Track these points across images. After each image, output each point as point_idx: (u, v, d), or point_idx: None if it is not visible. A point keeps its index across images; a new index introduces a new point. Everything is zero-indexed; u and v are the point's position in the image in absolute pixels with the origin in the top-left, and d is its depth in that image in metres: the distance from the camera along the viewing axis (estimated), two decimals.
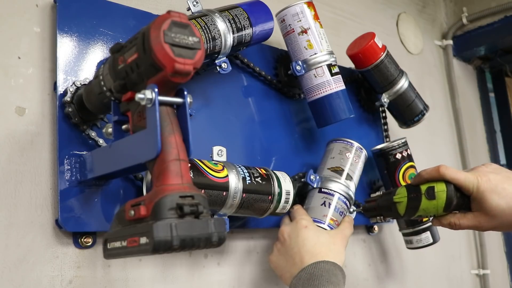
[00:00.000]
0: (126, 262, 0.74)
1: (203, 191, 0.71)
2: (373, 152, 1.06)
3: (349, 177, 0.92)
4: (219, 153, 0.79)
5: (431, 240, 1.05)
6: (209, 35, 0.76)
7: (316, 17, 0.92)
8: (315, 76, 0.91)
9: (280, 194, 0.81)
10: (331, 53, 0.92)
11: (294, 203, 0.86)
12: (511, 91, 1.79)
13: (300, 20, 0.90)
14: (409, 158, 1.04)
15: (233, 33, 0.80)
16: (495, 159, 1.69)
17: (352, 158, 0.94)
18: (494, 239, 1.59)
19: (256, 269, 0.91)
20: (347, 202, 0.91)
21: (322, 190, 0.90)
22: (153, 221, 0.49)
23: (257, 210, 0.80)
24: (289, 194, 0.82)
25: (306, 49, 0.91)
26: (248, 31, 0.82)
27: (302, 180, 0.92)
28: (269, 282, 0.92)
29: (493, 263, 1.52)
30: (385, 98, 1.08)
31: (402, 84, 1.07)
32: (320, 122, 0.94)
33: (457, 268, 1.41)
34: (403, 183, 1.02)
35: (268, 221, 0.89)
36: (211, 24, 0.77)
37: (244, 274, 0.89)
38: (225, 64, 0.81)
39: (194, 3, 0.80)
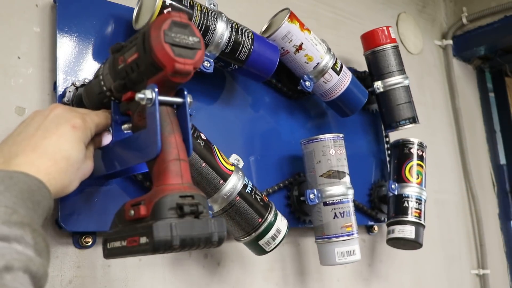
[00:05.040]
0: (126, 262, 0.74)
1: (203, 164, 0.72)
2: (392, 143, 1.12)
3: (342, 175, 0.90)
4: (236, 161, 0.79)
5: (412, 237, 1.02)
6: (204, 22, 0.74)
7: (302, 27, 0.89)
8: (325, 82, 0.93)
9: (271, 225, 0.78)
10: (329, 51, 0.93)
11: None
12: (511, 91, 1.79)
13: (290, 40, 0.88)
14: (421, 158, 1.09)
15: (229, 39, 0.77)
16: (495, 159, 1.69)
17: (338, 153, 0.90)
18: (494, 239, 1.59)
19: (256, 269, 0.91)
20: (353, 204, 0.91)
21: (327, 202, 0.88)
22: (153, 221, 0.49)
23: (243, 223, 0.77)
24: (279, 233, 0.79)
25: (307, 63, 0.91)
26: (245, 49, 0.80)
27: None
28: (269, 282, 0.92)
29: (493, 263, 1.52)
30: (378, 85, 1.07)
31: (400, 80, 1.06)
32: (343, 115, 1.01)
33: (457, 268, 1.41)
34: (408, 176, 1.06)
35: None
36: (212, 17, 0.76)
37: (244, 274, 0.89)
38: (208, 63, 0.77)
39: (212, 5, 0.79)
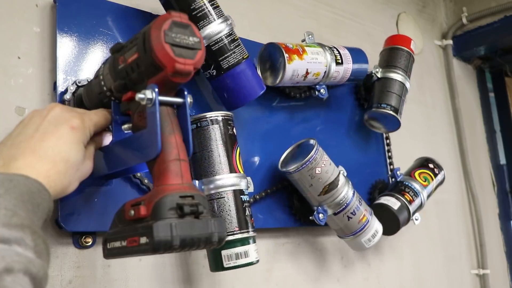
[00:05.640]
0: (126, 262, 0.74)
1: (221, 145, 0.73)
2: (417, 159, 1.17)
3: (337, 181, 0.89)
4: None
5: (395, 208, 1.02)
6: (204, 8, 0.75)
7: (299, 55, 0.88)
8: (335, 79, 0.97)
9: (244, 241, 0.73)
10: (327, 50, 0.94)
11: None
12: (511, 91, 1.79)
13: (298, 75, 0.89)
14: (435, 174, 1.13)
15: (220, 40, 0.76)
16: (495, 159, 1.69)
17: (323, 166, 0.87)
18: (494, 239, 1.59)
19: (256, 269, 0.91)
20: (355, 193, 0.92)
21: (336, 212, 0.90)
22: (153, 221, 0.49)
23: None
24: (246, 256, 0.73)
25: (316, 78, 0.93)
26: (231, 60, 0.77)
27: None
28: (269, 282, 0.92)
29: (493, 263, 1.52)
30: (378, 70, 1.09)
31: (401, 78, 1.08)
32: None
33: (457, 268, 1.41)
34: (416, 176, 1.10)
35: (268, 221, 0.89)
36: (216, 12, 0.76)
37: (244, 274, 0.89)
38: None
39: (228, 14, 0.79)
